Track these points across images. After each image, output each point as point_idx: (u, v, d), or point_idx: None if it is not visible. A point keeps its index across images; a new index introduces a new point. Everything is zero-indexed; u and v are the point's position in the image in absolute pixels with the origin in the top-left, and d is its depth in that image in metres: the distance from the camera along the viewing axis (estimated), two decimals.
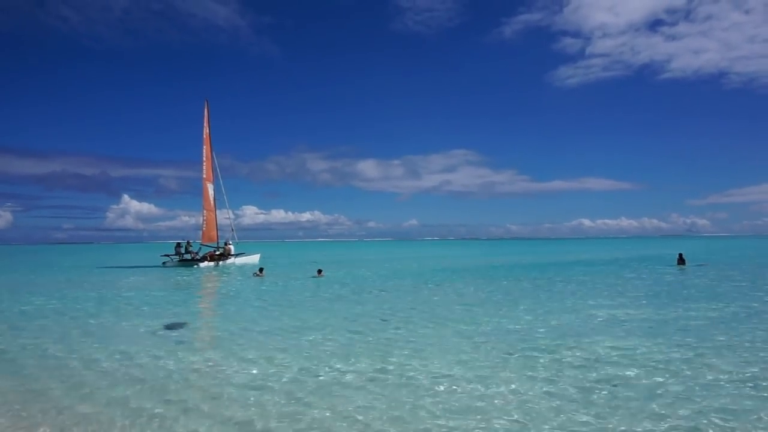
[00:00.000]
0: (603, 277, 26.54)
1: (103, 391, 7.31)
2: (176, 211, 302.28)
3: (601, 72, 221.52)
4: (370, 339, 10.89)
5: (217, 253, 38.10)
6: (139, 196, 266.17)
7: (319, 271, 29.10)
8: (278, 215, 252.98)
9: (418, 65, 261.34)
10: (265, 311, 15.50)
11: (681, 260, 32.24)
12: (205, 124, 40.18)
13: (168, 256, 37.69)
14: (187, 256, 36.95)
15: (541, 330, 11.59)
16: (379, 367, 8.38)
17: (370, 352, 9.61)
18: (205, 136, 40.02)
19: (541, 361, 8.69)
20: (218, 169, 40.62)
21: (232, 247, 39.41)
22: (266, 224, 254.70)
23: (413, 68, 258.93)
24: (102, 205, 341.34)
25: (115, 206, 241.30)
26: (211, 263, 36.41)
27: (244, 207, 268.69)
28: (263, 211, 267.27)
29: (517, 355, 9.12)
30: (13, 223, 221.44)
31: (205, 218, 38.98)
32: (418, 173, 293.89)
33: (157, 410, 6.48)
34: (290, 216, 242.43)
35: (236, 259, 38.74)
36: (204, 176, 39.62)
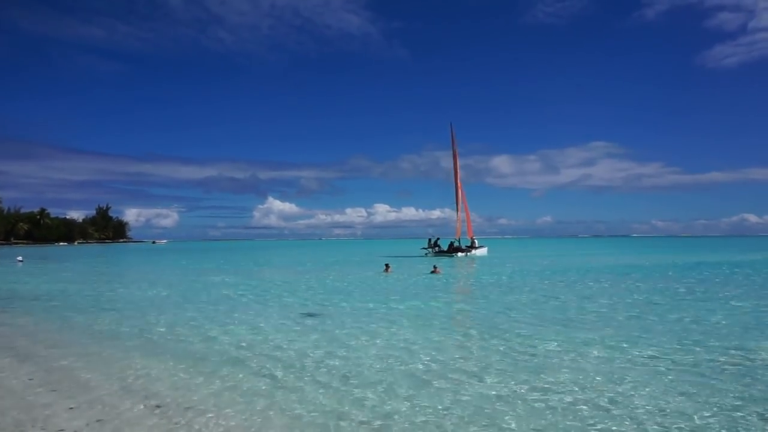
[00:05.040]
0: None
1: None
2: (314, 210, 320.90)
3: None
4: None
5: (467, 246, 47.16)
6: (283, 197, 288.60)
7: (387, 267, 29.25)
8: (409, 213, 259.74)
9: (551, 57, 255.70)
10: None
11: None
12: (453, 143, 48.83)
13: (425, 248, 47.13)
14: (434, 249, 46.54)
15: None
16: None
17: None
18: (454, 154, 48.86)
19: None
20: (461, 180, 49.21)
21: (476, 241, 48.71)
22: (397, 221, 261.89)
23: (546, 61, 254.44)
24: (250, 205, 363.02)
25: (260, 206, 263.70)
26: (464, 254, 45.35)
27: (376, 205, 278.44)
28: (395, 209, 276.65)
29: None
30: (179, 222, 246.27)
31: (458, 218, 48.77)
32: (555, 168, 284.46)
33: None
34: (420, 213, 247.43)
35: (476, 251, 47.38)
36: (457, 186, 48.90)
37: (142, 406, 6.07)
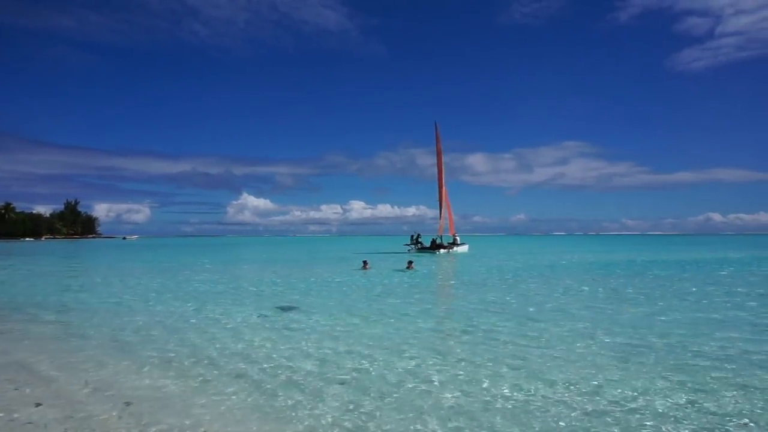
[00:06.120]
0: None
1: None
2: (289, 207, 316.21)
3: (734, 52, 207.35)
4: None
5: (449, 243, 47.83)
6: (257, 193, 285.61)
7: (365, 263, 29.22)
8: (385, 210, 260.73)
9: (526, 57, 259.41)
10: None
11: None
12: (437, 142, 49.38)
13: (408, 245, 47.66)
14: (417, 245, 47.22)
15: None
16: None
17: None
18: (438, 152, 49.34)
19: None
20: (445, 179, 49.60)
21: (458, 238, 49.52)
22: (373, 218, 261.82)
23: (522, 61, 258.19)
24: (224, 201, 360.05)
25: (234, 202, 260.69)
26: (445, 250, 46.22)
27: (351, 202, 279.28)
28: (370, 206, 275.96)
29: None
30: (151, 218, 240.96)
31: (441, 216, 49.21)
32: (530, 166, 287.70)
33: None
34: (396, 210, 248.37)
35: (458, 248, 48.39)
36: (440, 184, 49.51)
37: (110, 405, 6.03)
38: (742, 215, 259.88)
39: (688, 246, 70.43)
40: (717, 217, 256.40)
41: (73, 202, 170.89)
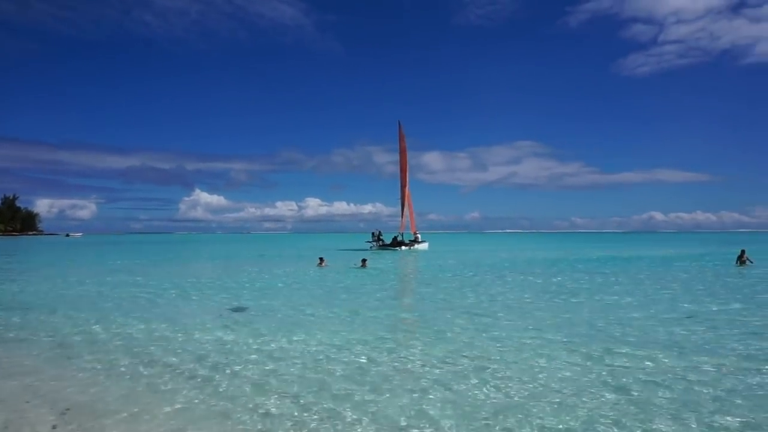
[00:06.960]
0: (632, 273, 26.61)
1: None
2: (243, 203, 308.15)
3: (675, 59, 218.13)
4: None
5: (410, 240, 48.95)
6: (211, 189, 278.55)
7: (321, 260, 29.20)
8: (341, 207, 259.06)
9: (481, 58, 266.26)
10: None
11: (742, 258, 27.10)
12: (400, 140, 50.22)
13: (370, 242, 48.24)
14: (378, 242, 47.93)
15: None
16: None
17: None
18: (401, 150, 50.23)
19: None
20: (408, 178, 50.69)
21: (419, 236, 50.71)
22: (329, 216, 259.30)
23: (476, 61, 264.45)
24: (176, 197, 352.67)
25: (186, 198, 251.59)
26: (406, 248, 47.08)
27: (307, 199, 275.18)
28: (326, 203, 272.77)
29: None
30: (97, 214, 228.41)
31: (402, 214, 50.53)
32: (484, 165, 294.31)
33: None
34: (352, 208, 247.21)
35: (418, 245, 49.23)
36: (402, 183, 50.56)
37: (48, 411, 5.78)
38: (681, 214, 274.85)
39: (631, 243, 73.74)
40: (659, 216, 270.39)
41: (11, 197, 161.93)
